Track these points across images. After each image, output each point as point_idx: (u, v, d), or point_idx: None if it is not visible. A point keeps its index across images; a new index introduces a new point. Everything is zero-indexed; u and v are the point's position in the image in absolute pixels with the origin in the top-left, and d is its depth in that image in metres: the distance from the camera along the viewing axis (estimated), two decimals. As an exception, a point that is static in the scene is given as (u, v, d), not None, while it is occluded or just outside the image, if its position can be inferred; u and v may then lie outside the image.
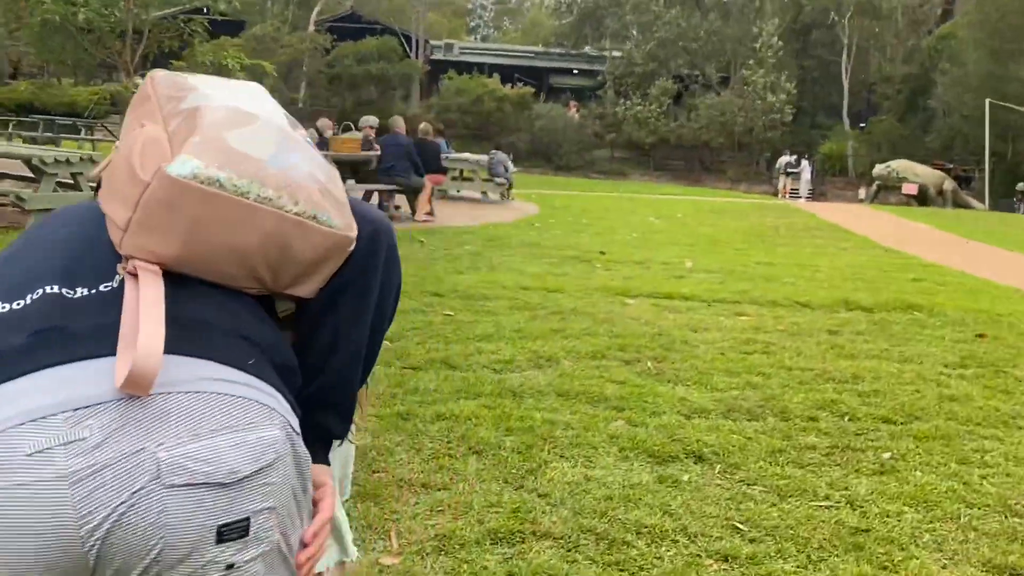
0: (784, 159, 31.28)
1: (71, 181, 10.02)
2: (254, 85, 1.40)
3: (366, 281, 1.34)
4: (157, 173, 1.11)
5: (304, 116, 20.93)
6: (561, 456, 3.85)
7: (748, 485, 3.68)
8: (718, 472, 3.80)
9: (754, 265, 9.98)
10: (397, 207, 12.78)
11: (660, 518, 3.26)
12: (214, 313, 1.16)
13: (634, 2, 36.81)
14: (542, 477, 3.61)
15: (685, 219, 15.96)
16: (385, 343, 5.54)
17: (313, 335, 1.33)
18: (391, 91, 35.12)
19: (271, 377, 1.15)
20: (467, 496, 3.40)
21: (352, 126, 13.74)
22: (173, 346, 1.05)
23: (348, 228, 1.27)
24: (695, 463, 3.88)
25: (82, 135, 19.36)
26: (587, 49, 41.30)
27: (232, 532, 1.03)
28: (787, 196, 29.66)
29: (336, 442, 1.93)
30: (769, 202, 25.59)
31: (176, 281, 1.14)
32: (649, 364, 5.35)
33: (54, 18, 12.63)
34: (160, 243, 1.13)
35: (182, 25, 15.22)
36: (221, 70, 13.86)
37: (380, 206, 12.82)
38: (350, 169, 12.61)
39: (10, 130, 18.81)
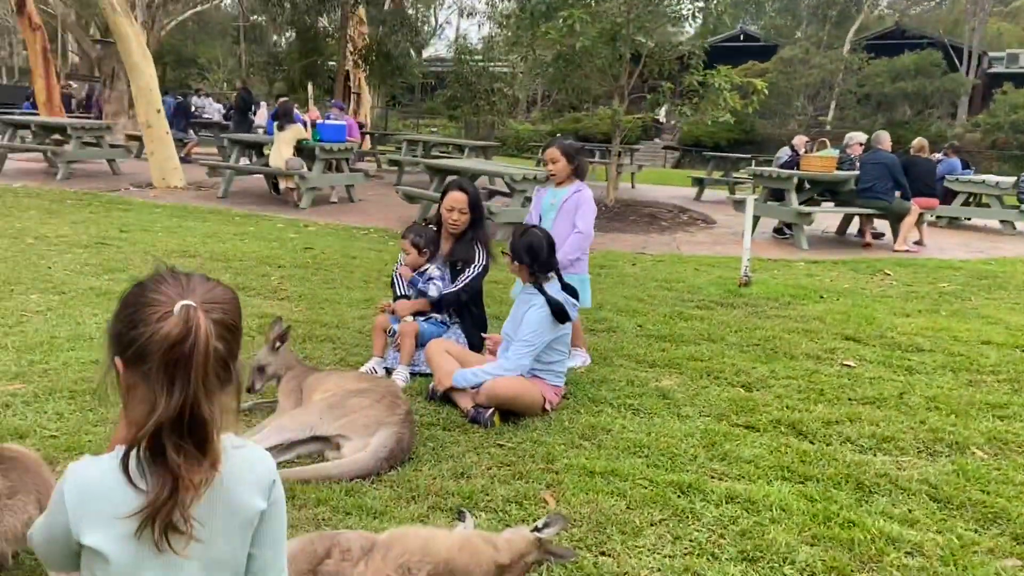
0: None
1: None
2: None
3: None
4: None
5: (831, 137, 19.57)
6: (877, 594, 2.59)
7: None
8: None
9: None
10: (879, 234, 11.04)
11: None
12: None
13: None
14: (827, 620, 2.45)
15: None
16: (738, 390, 4.65)
17: None
18: (928, 109, 31.33)
19: None
20: (695, 621, 2.43)
21: (827, 143, 12.31)
22: None
23: None
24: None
25: (596, 158, 20.82)
26: None
27: None
28: None
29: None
30: None
31: None
32: (1124, 477, 3.50)
33: (560, 49, 13.69)
34: None
35: (681, 49, 15.31)
36: (709, 89, 13.58)
37: (859, 232, 11.23)
38: (827, 189, 11.28)
39: (540, 155, 21.12)
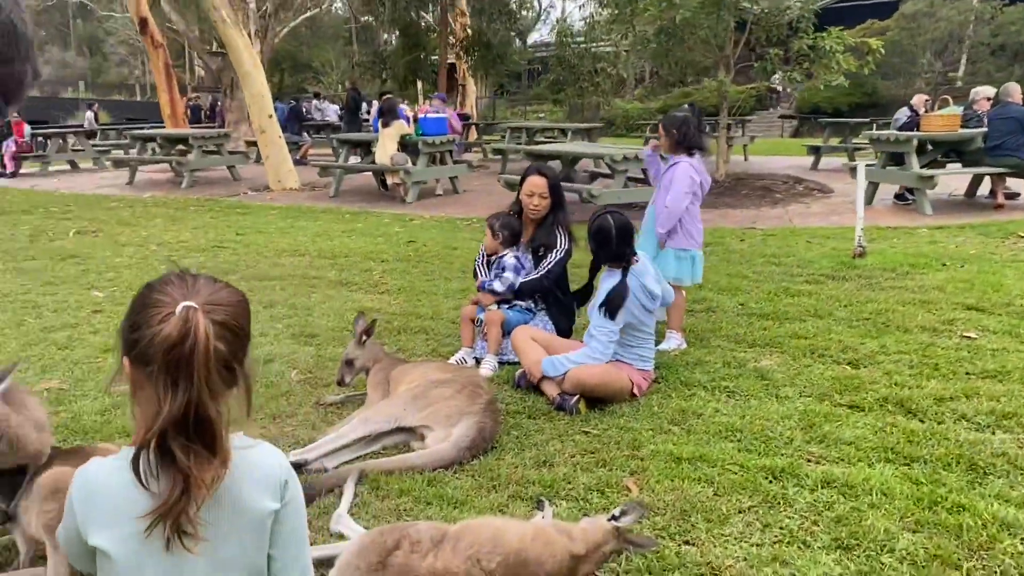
0: None
1: (642, 176, 10.46)
2: None
3: None
4: None
5: (959, 94, 18.34)
6: (986, 585, 2.40)
7: None
8: None
9: None
10: (1013, 194, 10.24)
11: None
12: None
13: None
14: (927, 613, 2.29)
15: None
16: (843, 368, 4.38)
17: None
18: (1073, 55, 28.85)
19: None
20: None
21: (949, 101, 11.49)
22: None
23: None
24: None
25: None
26: None
27: None
28: None
29: None
30: None
31: None
32: None
33: (660, 23, 13.38)
34: None
35: (789, 13, 14.71)
36: (819, 52, 12.95)
37: (990, 193, 10.47)
38: (952, 150, 10.55)
39: (646, 133, 20.68)
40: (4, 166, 16.32)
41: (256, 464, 1.42)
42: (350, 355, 3.78)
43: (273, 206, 11.66)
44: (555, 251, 4.48)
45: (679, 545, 2.66)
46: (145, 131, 16.24)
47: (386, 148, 11.83)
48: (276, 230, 9.36)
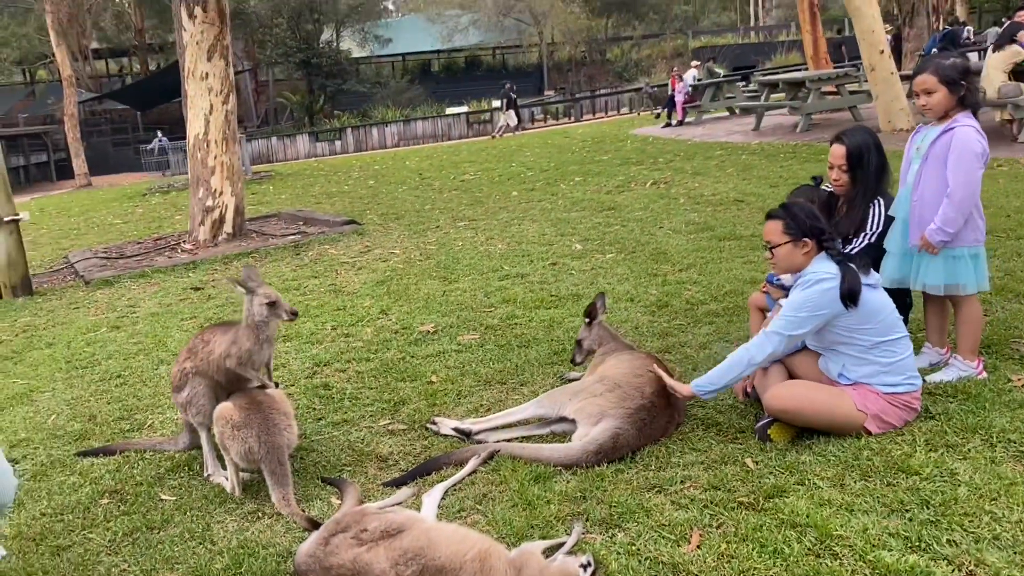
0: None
1: None
2: None
3: None
4: None
5: None
6: None
7: None
8: None
9: None
10: None
11: None
12: None
13: None
14: None
15: None
16: None
17: None
18: None
19: None
20: None
21: None
22: None
23: None
24: None
25: None
26: None
27: None
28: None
29: None
30: None
31: None
32: None
33: None
34: None
35: None
36: None
37: None
38: None
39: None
40: (673, 116, 18.51)
41: None
42: (580, 335, 3.79)
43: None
44: (864, 235, 3.59)
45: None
46: (769, 77, 16.52)
47: (991, 79, 9.94)
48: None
